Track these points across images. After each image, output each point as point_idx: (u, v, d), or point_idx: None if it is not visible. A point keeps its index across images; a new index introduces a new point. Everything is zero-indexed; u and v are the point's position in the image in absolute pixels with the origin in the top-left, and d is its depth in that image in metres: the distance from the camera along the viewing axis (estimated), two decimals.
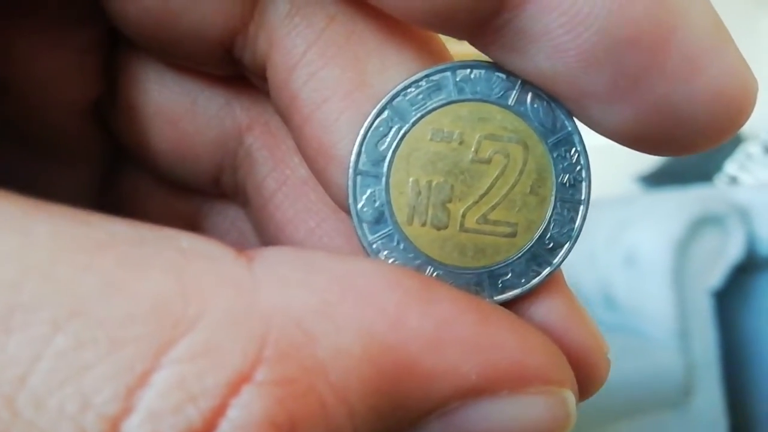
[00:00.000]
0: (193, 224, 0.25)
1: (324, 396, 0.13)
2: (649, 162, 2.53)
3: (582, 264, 1.76)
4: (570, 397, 0.16)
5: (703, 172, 2.39)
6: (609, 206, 1.83)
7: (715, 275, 1.67)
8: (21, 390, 0.12)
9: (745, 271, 1.75)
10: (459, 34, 0.17)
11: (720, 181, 2.39)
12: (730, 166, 2.40)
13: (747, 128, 2.47)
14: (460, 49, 0.19)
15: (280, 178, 0.23)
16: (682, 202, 1.70)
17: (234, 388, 0.12)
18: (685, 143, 0.17)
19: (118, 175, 0.24)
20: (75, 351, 0.12)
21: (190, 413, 0.12)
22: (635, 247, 1.67)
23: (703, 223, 1.64)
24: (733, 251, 1.68)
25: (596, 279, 1.75)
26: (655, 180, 2.48)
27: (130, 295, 0.13)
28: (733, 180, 2.37)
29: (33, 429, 0.12)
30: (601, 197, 1.85)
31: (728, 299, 1.75)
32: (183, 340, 0.12)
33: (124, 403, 0.12)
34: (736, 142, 2.45)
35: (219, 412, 0.12)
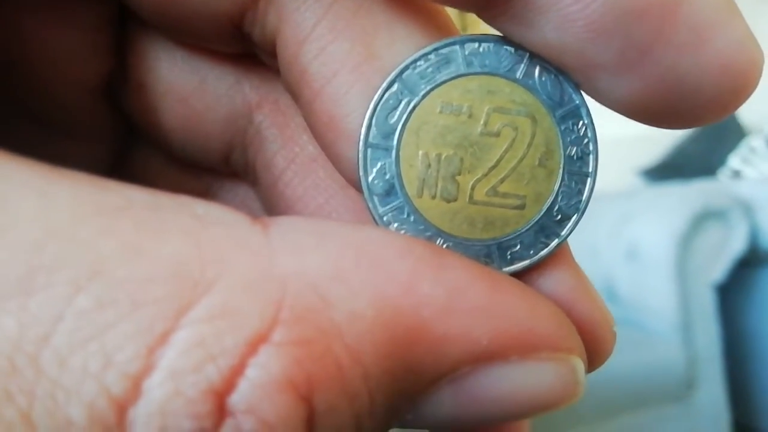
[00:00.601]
0: None
1: (340, 358, 0.13)
2: (652, 156, 2.53)
3: (584, 258, 1.75)
4: (579, 364, 0.17)
5: (707, 166, 2.38)
6: (612, 200, 1.83)
7: (718, 269, 1.67)
8: (44, 348, 0.12)
9: (747, 264, 1.75)
10: (467, 7, 0.17)
11: (723, 175, 2.39)
12: (734, 160, 2.39)
13: (751, 122, 2.47)
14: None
15: (289, 156, 0.23)
16: (684, 196, 1.70)
17: (252, 348, 0.13)
18: (691, 115, 0.17)
19: (129, 153, 0.25)
20: (97, 311, 0.12)
21: (210, 372, 0.12)
22: (638, 241, 1.67)
23: (706, 217, 1.64)
24: (735, 245, 1.68)
25: (599, 273, 1.75)
26: (657, 174, 2.47)
27: (149, 257, 0.13)
28: (737, 174, 2.37)
29: (57, 387, 0.12)
30: (604, 191, 1.85)
31: (731, 293, 1.75)
32: (201, 301, 0.13)
33: (145, 361, 0.12)
34: (740, 135, 2.45)
35: (238, 371, 0.13)
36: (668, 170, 2.42)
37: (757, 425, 1.85)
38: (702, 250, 1.64)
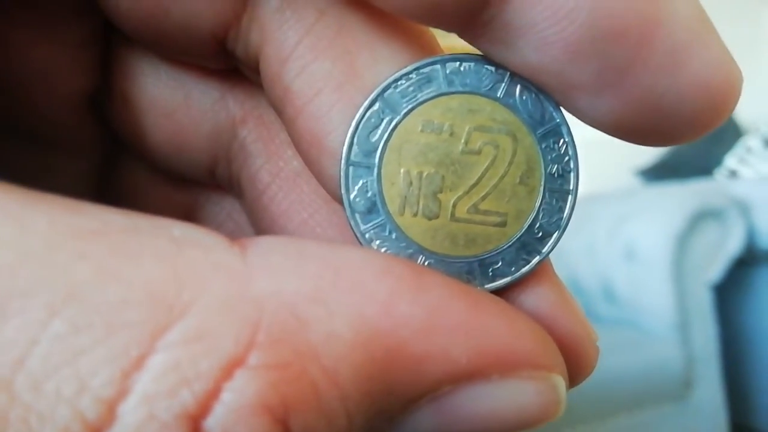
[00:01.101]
0: (189, 214, 0.26)
1: (316, 380, 0.13)
2: (648, 156, 2.53)
3: (582, 258, 1.76)
4: (560, 382, 0.17)
5: (703, 166, 2.39)
6: (609, 200, 1.83)
7: (715, 269, 1.67)
8: (19, 373, 0.12)
9: (744, 264, 1.75)
10: (447, 27, 0.17)
11: (720, 174, 2.39)
12: (730, 160, 2.40)
13: (747, 122, 2.47)
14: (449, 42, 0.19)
15: (273, 171, 0.23)
16: (681, 196, 1.70)
17: (227, 372, 0.13)
18: (672, 134, 0.17)
19: (115, 166, 0.25)
20: (71, 335, 0.12)
21: (185, 396, 0.12)
22: (635, 241, 1.68)
23: (703, 217, 1.64)
24: (732, 245, 1.69)
25: (596, 273, 1.75)
26: (654, 174, 2.48)
27: (124, 281, 0.13)
28: (733, 174, 2.37)
29: (30, 412, 0.12)
30: (601, 191, 1.86)
31: (728, 293, 1.75)
32: (177, 325, 0.13)
33: (120, 385, 0.12)
34: (736, 135, 2.45)
35: (213, 395, 0.13)
36: (665, 170, 2.42)
37: (755, 425, 1.86)
38: (699, 249, 1.64)
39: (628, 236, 1.70)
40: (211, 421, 0.12)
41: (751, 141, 2.40)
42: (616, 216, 1.76)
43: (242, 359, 0.13)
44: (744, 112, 2.38)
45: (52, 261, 0.13)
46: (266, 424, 0.13)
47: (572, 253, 1.75)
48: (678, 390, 1.57)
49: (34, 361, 0.12)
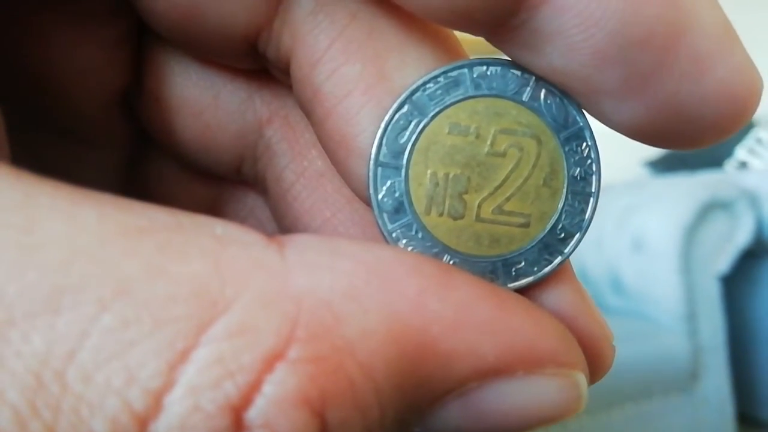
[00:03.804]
0: (213, 209, 0.26)
1: (352, 374, 0.14)
2: (658, 148, 2.51)
3: (590, 249, 1.76)
4: (582, 379, 0.17)
5: (713, 158, 2.37)
6: (617, 191, 1.83)
7: (724, 260, 1.67)
8: (70, 365, 0.12)
9: (753, 256, 1.75)
10: (477, 32, 0.17)
11: (730, 166, 2.38)
12: (740, 152, 2.38)
13: (758, 114, 2.46)
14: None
15: (298, 170, 0.24)
16: (690, 187, 1.70)
17: (269, 365, 0.13)
18: (692, 138, 0.17)
19: (143, 161, 0.25)
20: (121, 329, 0.13)
21: (228, 388, 0.13)
22: (643, 232, 1.67)
23: (712, 208, 1.64)
24: (741, 236, 1.68)
25: (604, 263, 1.75)
26: (663, 165, 2.47)
27: (171, 277, 0.13)
28: (743, 165, 2.36)
29: (81, 401, 0.12)
30: (610, 182, 1.85)
31: (736, 284, 1.75)
32: (220, 320, 0.13)
33: (166, 377, 0.13)
34: (747, 127, 2.44)
35: (255, 387, 0.13)
36: (674, 161, 2.41)
37: (761, 416, 1.86)
38: (708, 241, 1.64)
39: (636, 227, 1.70)
40: (253, 413, 0.13)
41: (761, 133, 2.38)
42: (625, 207, 1.75)
43: (282, 353, 0.13)
44: None
45: (102, 257, 0.13)
46: (305, 416, 0.13)
47: (580, 244, 1.75)
48: (685, 381, 1.57)
49: (85, 353, 0.12)
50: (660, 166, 2.48)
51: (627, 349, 1.46)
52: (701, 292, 1.62)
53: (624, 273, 1.73)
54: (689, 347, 1.57)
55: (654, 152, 2.52)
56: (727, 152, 2.40)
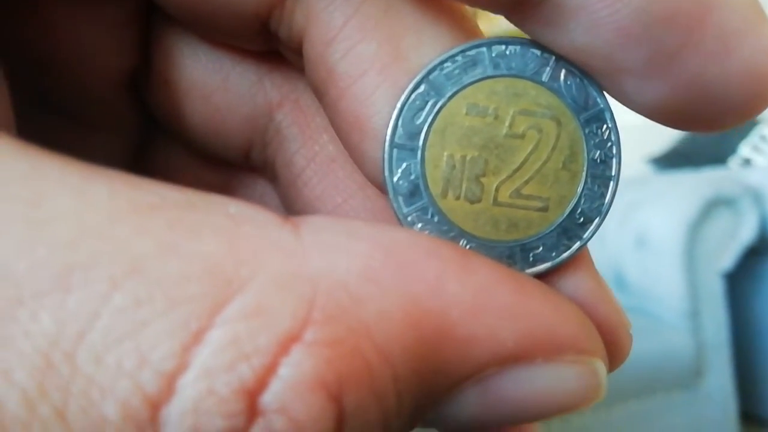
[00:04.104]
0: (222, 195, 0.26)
1: (369, 357, 0.13)
2: (661, 144, 2.51)
3: (593, 245, 1.73)
4: (601, 367, 0.17)
5: (717, 154, 2.37)
6: (621, 188, 1.81)
7: (727, 257, 1.67)
8: (80, 346, 0.12)
9: (757, 253, 1.75)
10: (497, 9, 0.17)
11: (734, 163, 2.38)
12: (744, 149, 2.38)
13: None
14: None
15: (308, 155, 0.23)
16: (694, 184, 1.69)
17: (284, 347, 0.13)
18: (715, 119, 0.17)
19: (151, 145, 0.25)
20: (133, 308, 0.12)
21: (243, 371, 0.12)
22: (647, 229, 1.67)
23: (716, 205, 1.63)
24: (745, 233, 1.68)
25: (608, 260, 1.75)
26: (667, 162, 2.46)
27: (184, 256, 0.13)
28: (747, 162, 2.35)
29: (92, 384, 0.12)
30: None
31: (740, 281, 1.75)
32: (235, 300, 0.13)
33: (179, 359, 0.12)
34: (751, 124, 2.43)
35: (270, 370, 0.13)
36: (678, 158, 2.40)
37: (764, 414, 1.86)
38: (711, 238, 1.64)
39: (640, 224, 1.70)
40: (268, 397, 0.13)
41: (766, 130, 2.38)
42: (628, 203, 1.75)
43: (298, 335, 0.13)
44: None
45: (113, 234, 0.13)
46: (322, 400, 0.13)
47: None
48: (688, 378, 1.57)
49: (95, 334, 0.12)
50: (664, 163, 2.48)
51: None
52: (705, 289, 1.62)
53: (627, 270, 1.72)
54: (693, 344, 1.57)
55: (658, 149, 2.52)
56: (731, 149, 2.39)
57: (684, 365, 1.56)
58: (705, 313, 1.61)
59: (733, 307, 1.67)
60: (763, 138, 2.37)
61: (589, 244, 0.19)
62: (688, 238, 1.59)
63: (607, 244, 1.75)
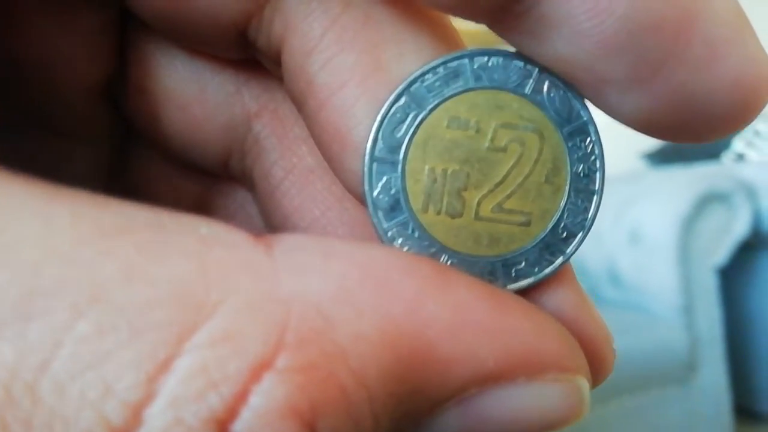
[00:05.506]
0: (201, 205, 0.25)
1: (344, 381, 0.13)
2: (655, 140, 2.52)
3: (587, 241, 1.75)
4: (584, 384, 0.17)
5: (711, 150, 2.37)
6: (615, 183, 1.82)
7: (721, 252, 1.67)
8: (43, 377, 0.12)
9: (750, 248, 1.75)
10: (480, 18, 0.17)
11: (727, 158, 2.38)
12: (738, 144, 2.38)
13: None
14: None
15: (287, 166, 0.23)
16: (688, 179, 1.70)
17: (255, 374, 0.12)
18: (701, 130, 0.17)
19: (128, 155, 0.24)
20: (97, 337, 0.12)
21: (212, 400, 0.12)
22: (641, 224, 1.67)
23: (709, 200, 1.64)
24: (738, 228, 1.68)
25: (602, 256, 1.75)
26: (661, 157, 2.47)
27: (151, 280, 0.13)
28: (740, 157, 2.36)
29: (54, 416, 0.12)
30: (607, 174, 1.85)
31: (733, 276, 1.75)
32: (205, 326, 0.12)
33: (146, 389, 0.12)
34: None
35: (241, 399, 0.12)
36: (672, 154, 2.41)
37: (757, 408, 1.87)
38: (705, 233, 1.64)
39: (633, 219, 1.70)
40: (239, 426, 0.12)
41: (759, 125, 2.38)
42: (622, 199, 1.75)
43: (270, 361, 0.13)
44: None
45: (76, 259, 0.12)
46: (294, 428, 0.13)
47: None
48: (682, 373, 1.57)
49: (58, 363, 0.12)
50: (657, 158, 2.48)
51: (624, 342, 1.46)
52: (698, 284, 1.62)
53: (621, 265, 1.73)
54: (686, 339, 1.58)
55: (651, 144, 2.52)
56: (725, 144, 2.40)
57: (678, 360, 1.57)
58: (698, 308, 1.61)
59: (726, 302, 1.68)
60: (756, 133, 2.37)
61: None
62: (681, 233, 1.60)
63: (602, 240, 1.75)
